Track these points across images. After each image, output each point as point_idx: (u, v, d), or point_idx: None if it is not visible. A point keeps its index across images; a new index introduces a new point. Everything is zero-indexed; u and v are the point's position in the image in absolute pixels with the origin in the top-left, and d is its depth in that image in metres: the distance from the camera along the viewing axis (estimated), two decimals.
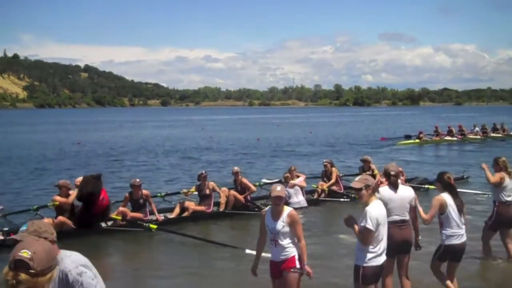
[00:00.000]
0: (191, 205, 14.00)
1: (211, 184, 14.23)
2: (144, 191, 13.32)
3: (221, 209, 14.02)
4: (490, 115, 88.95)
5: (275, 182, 18.99)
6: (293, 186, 14.61)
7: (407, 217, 7.31)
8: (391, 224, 6.93)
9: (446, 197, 7.55)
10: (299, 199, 14.47)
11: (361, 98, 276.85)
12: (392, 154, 30.32)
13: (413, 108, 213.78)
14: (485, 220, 9.79)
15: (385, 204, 6.93)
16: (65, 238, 11.91)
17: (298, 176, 15.15)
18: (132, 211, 13.03)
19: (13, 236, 3.08)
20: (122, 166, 26.40)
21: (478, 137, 40.75)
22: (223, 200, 14.18)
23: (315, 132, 54.16)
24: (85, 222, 12.27)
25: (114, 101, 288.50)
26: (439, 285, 7.98)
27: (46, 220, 11.94)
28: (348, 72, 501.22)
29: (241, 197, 14.34)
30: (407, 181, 17.50)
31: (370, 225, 5.98)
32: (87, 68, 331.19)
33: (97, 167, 23.87)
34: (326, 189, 15.96)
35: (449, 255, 7.62)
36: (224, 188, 14.66)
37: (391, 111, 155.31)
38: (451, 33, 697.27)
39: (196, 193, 14.41)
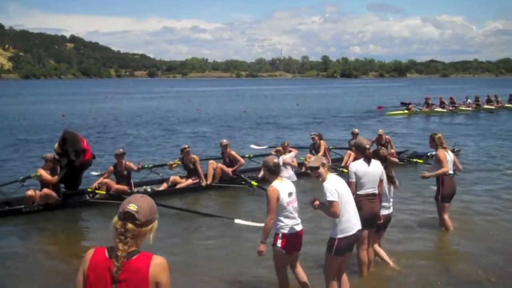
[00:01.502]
0: (178, 179, 13.93)
1: (194, 157, 14.09)
2: (128, 163, 13.20)
3: (208, 182, 13.91)
4: (479, 87, 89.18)
5: (263, 148, 19.00)
6: (286, 163, 14.46)
7: (377, 191, 7.53)
8: (364, 197, 7.32)
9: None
10: (289, 174, 14.34)
11: (349, 70, 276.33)
12: (380, 126, 30.08)
13: (400, 80, 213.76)
14: (434, 196, 10.03)
15: (360, 178, 7.36)
16: (50, 211, 11.85)
17: (290, 151, 15.03)
18: (117, 182, 12.96)
19: None
20: (108, 138, 26.17)
21: (470, 108, 40.64)
22: (210, 173, 14.07)
23: (302, 104, 53.95)
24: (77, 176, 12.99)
25: (101, 72, 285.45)
26: (411, 257, 8.52)
27: (30, 192, 11.82)
28: (336, 44, 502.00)
29: (228, 170, 14.24)
30: (397, 153, 17.50)
31: (331, 197, 6.22)
32: (73, 39, 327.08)
33: None
34: None
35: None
36: (211, 161, 14.56)
37: (378, 83, 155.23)
38: (439, 4, 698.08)
39: (181, 165, 14.35)
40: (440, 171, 9.61)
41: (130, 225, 3.23)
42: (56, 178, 12.15)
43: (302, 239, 6.62)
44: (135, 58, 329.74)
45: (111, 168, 13.12)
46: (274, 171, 6.47)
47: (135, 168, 13.38)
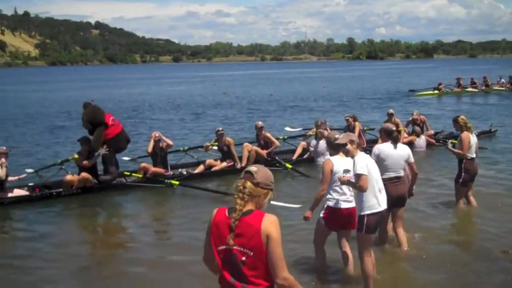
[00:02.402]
0: (213, 162, 13.97)
1: (228, 140, 14.09)
2: (164, 143, 13.18)
3: (243, 164, 13.86)
4: (509, 67, 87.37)
5: (298, 130, 18.97)
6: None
7: (402, 174, 7.70)
8: (386, 181, 7.30)
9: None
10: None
11: (374, 52, 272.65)
12: (410, 106, 29.61)
13: (427, 61, 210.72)
14: (455, 179, 9.93)
15: (383, 160, 7.52)
16: (88, 194, 11.96)
17: (327, 130, 14.93)
18: (154, 165, 13.04)
19: None
20: (139, 123, 26.33)
21: (504, 88, 39.82)
22: (245, 155, 14.06)
23: (329, 87, 53.57)
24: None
25: (126, 58, 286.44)
26: (434, 237, 8.56)
27: (69, 176, 11.96)
28: (361, 25, 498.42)
29: (263, 152, 14.21)
30: (434, 134, 17.34)
31: (361, 170, 6.25)
32: (98, 25, 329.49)
33: None
34: None
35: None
36: (246, 143, 14.55)
37: (405, 64, 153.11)
38: None
39: (216, 148, 14.39)
40: (461, 152, 9.52)
41: (248, 183, 3.75)
42: (90, 162, 12.21)
43: (353, 218, 6.65)
44: (160, 44, 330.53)
45: (151, 149, 13.15)
46: (333, 146, 6.74)
47: (171, 142, 13.41)
